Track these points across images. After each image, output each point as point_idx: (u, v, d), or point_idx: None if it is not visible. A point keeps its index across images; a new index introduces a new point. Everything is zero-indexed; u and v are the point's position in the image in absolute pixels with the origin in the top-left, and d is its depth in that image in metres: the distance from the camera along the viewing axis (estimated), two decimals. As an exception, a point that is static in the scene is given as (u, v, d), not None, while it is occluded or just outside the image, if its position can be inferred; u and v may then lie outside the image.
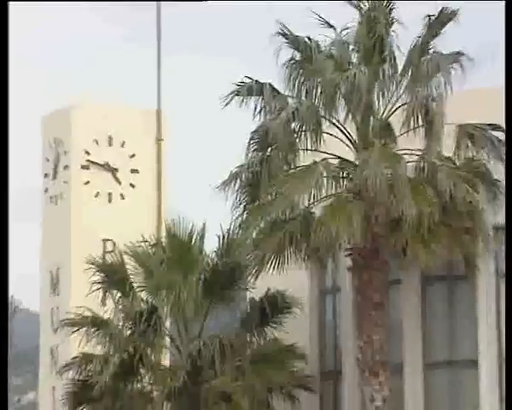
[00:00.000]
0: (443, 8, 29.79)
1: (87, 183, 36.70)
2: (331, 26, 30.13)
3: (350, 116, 29.82)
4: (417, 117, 29.10)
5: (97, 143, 36.86)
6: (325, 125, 29.96)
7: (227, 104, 30.24)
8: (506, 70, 21.17)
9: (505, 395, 26.58)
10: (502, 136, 29.33)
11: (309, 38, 30.30)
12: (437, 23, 29.92)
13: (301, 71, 30.19)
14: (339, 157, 29.68)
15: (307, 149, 29.88)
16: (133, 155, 37.16)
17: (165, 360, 32.41)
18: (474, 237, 29.09)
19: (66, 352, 33.63)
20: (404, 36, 30.24)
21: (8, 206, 26.45)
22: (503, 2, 30.15)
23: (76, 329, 32.26)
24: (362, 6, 30.22)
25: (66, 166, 36.88)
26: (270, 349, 31.37)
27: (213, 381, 30.67)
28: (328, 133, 29.93)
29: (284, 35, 30.19)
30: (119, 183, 36.97)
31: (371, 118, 29.79)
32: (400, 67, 30.21)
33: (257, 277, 30.59)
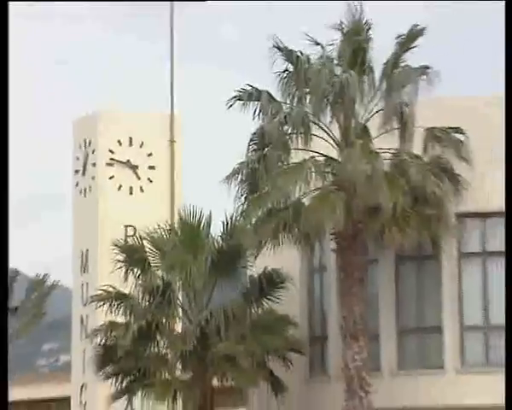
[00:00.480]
0: (412, 26, 29.83)
1: (111, 177, 36.97)
2: (318, 44, 30.09)
3: (334, 120, 29.94)
4: (391, 121, 29.24)
5: (120, 143, 37.07)
6: (313, 128, 29.87)
7: (230, 106, 30.32)
8: (506, 71, 20.05)
9: (505, 394, 26.09)
10: (462, 137, 29.55)
11: (301, 52, 30.17)
12: (407, 40, 29.96)
13: (293, 81, 30.13)
14: (324, 155, 29.75)
15: (298, 149, 29.83)
16: (150, 154, 37.40)
17: (178, 328, 32.59)
18: (440, 222, 29.23)
19: (94, 321, 34.00)
20: (380, 51, 30.22)
21: (8, 206, 25.08)
22: (503, 3, 29.18)
23: (102, 302, 32.48)
24: (344, 26, 30.11)
25: (93, 164, 37.10)
26: (267, 319, 31.50)
27: (219, 345, 30.83)
28: (315, 135, 29.88)
29: (279, 48, 30.15)
30: (139, 178, 37.20)
31: (352, 121, 29.80)
32: (377, 78, 30.16)
33: (256, 257, 30.94)
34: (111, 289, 32.27)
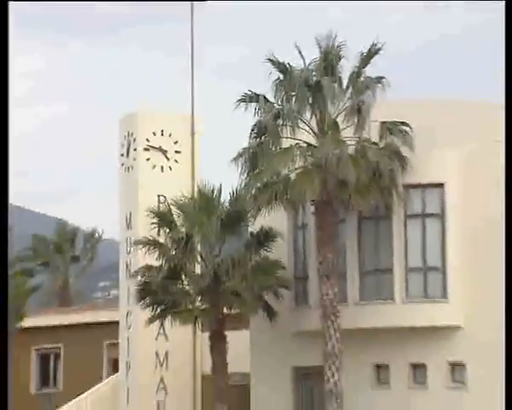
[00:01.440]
0: (372, 44, 29.93)
1: (148, 159, 36.98)
2: (302, 58, 30.19)
3: (313, 116, 30.10)
4: (354, 116, 29.38)
5: (154, 134, 37.07)
6: (298, 122, 29.97)
7: (236, 107, 30.41)
8: (506, 71, 16.60)
9: (505, 394, 24.42)
10: (407, 128, 29.69)
11: (289, 64, 30.13)
12: (367, 56, 30.05)
13: (283, 86, 30.17)
14: (306, 142, 29.89)
15: (287, 137, 29.93)
16: (176, 142, 37.41)
17: (197, 270, 32.63)
18: (391, 192, 29.56)
19: (135, 265, 34.26)
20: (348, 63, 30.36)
21: (7, 205, 20.94)
22: (503, 3, 26.04)
23: (142, 248, 32.81)
24: (321, 46, 30.16)
25: (134, 149, 37.11)
26: (263, 263, 31.63)
27: (227, 283, 31.07)
28: (299, 127, 29.99)
29: (272, 61, 30.20)
30: (168, 159, 37.17)
31: (326, 117, 29.90)
32: (345, 85, 30.28)
33: (255, 218, 31.10)
34: (148, 239, 32.42)
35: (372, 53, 30.04)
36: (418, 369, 30.18)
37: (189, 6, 38.52)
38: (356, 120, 29.30)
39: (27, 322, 40.86)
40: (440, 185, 30.11)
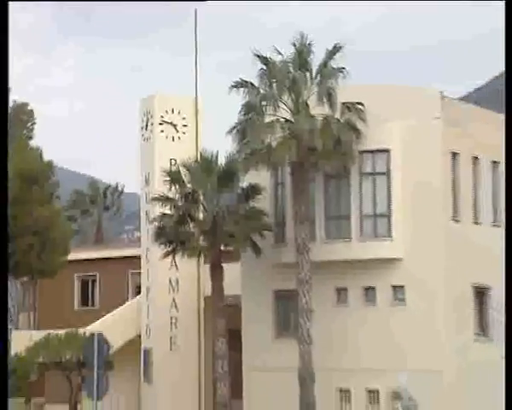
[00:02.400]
0: (335, 44, 29.63)
1: (162, 131, 36.43)
2: (280, 54, 29.85)
3: (290, 98, 29.66)
4: (322, 98, 29.14)
5: (167, 112, 36.54)
6: (278, 102, 29.55)
7: (230, 91, 30.06)
8: (506, 71, 13.92)
9: (505, 393, 20.62)
10: (362, 107, 29.45)
11: (271, 58, 29.75)
12: (332, 52, 29.67)
13: (266, 75, 29.78)
14: (284, 118, 29.57)
15: (270, 114, 29.63)
16: (184, 118, 36.80)
17: (200, 216, 32.16)
18: (349, 156, 29.38)
19: (153, 213, 33.75)
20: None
21: (7, 202, 16.47)
22: (503, 3, 22.04)
23: (157, 201, 32.47)
24: (296, 44, 29.75)
25: (151, 123, 36.60)
26: (251, 211, 31.39)
27: (223, 227, 30.88)
28: (279, 106, 29.61)
29: (258, 56, 29.83)
30: (177, 131, 36.60)
31: (300, 99, 29.57)
32: (314, 74, 29.89)
33: (244, 177, 30.99)
34: (162, 194, 32.24)
35: (335, 50, 29.67)
36: (369, 291, 30.24)
37: (193, 9, 38.14)
38: (323, 101, 29.06)
39: (71, 256, 40.71)
40: (387, 151, 29.92)
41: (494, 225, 31.46)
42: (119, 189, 68.52)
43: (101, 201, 66.13)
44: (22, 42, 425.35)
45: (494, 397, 27.92)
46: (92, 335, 32.36)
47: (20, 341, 36.12)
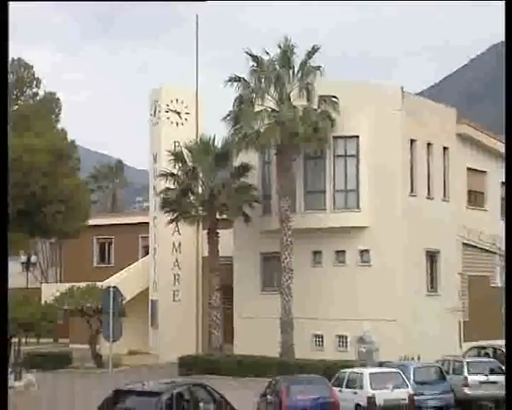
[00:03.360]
0: (313, 46, 29.35)
1: (168, 118, 35.85)
2: (268, 53, 29.46)
3: (275, 91, 29.36)
4: (303, 92, 28.89)
5: (172, 101, 35.98)
6: (265, 95, 29.27)
7: (226, 84, 29.71)
8: (506, 71, 12.21)
9: (505, 393, 17.09)
10: (336, 100, 29.15)
11: (260, 57, 29.44)
12: (310, 52, 29.37)
13: (256, 71, 29.43)
14: (271, 108, 29.29)
15: (259, 104, 29.32)
16: (186, 106, 36.26)
17: (199, 190, 31.79)
18: (325, 140, 29.19)
19: (159, 187, 33.32)
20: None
21: (7, 199, 13.43)
22: (503, 3, 18.88)
23: (163, 177, 31.90)
24: (281, 46, 29.36)
25: (159, 111, 36.06)
26: (242, 186, 31.07)
27: (219, 199, 30.64)
28: (266, 98, 29.34)
29: (249, 54, 29.45)
30: (181, 118, 36.03)
31: (284, 92, 29.27)
32: (296, 71, 29.53)
33: (237, 157, 30.59)
34: (167, 171, 31.82)
35: (314, 51, 29.37)
36: (340, 254, 30.18)
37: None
38: (303, 94, 28.88)
39: (91, 222, 40.46)
40: (356, 137, 29.75)
41: (444, 200, 31.44)
42: (131, 166, 68.22)
43: (115, 176, 65.85)
44: (53, 40, 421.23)
45: (438, 339, 28.22)
46: (108, 287, 32.58)
47: (49, 292, 35.93)
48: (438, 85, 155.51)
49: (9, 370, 27.54)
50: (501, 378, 23.05)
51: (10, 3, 12.82)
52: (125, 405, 16.50)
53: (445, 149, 31.53)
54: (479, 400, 23.28)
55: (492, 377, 23.07)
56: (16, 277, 47.01)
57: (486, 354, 26.36)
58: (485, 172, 34.37)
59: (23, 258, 45.66)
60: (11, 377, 26.63)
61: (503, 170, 36.27)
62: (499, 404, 23.12)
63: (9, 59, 24.89)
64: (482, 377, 23.04)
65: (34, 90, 23.98)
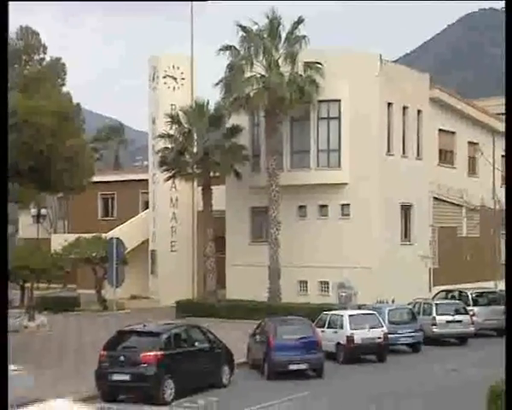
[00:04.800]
0: (299, 17, 28.85)
1: (165, 83, 35.24)
2: (256, 24, 28.91)
3: (264, 58, 28.86)
4: (289, 59, 28.38)
5: (169, 67, 35.45)
6: (255, 61, 28.76)
7: (219, 53, 29.19)
8: (506, 71, 11.69)
9: (505, 392, 17.11)
10: (320, 66, 28.66)
11: (249, 28, 28.86)
12: (296, 22, 28.89)
13: (246, 41, 28.92)
14: (260, 74, 28.87)
15: (248, 71, 28.84)
16: (182, 72, 35.61)
17: (194, 149, 31.24)
18: (310, 104, 28.69)
19: (158, 146, 32.53)
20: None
21: (7, 199, 11.85)
22: (503, 3, 20.53)
23: (161, 137, 31.47)
24: (269, 17, 28.85)
25: (157, 76, 35.53)
26: (234, 146, 30.58)
27: (212, 158, 30.19)
28: (256, 65, 28.80)
29: (240, 26, 28.95)
30: (177, 83, 35.48)
31: (271, 60, 28.66)
32: (283, 40, 29.04)
33: (228, 119, 30.30)
34: (165, 132, 31.38)
35: (299, 21, 28.89)
36: (323, 208, 30.16)
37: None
38: (289, 61, 28.50)
39: (95, 178, 40.08)
40: (338, 101, 29.47)
41: (417, 159, 31.36)
42: (132, 127, 67.48)
43: (118, 136, 65.26)
44: (59, 11, 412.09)
45: (410, 284, 28.45)
46: (112, 238, 32.57)
47: (58, 242, 35.91)
48: (413, 53, 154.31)
49: (23, 311, 27.84)
50: (465, 318, 23.82)
51: (10, 3, 12.10)
52: (127, 344, 16.67)
53: (419, 111, 31.37)
54: (445, 337, 23.88)
55: (458, 317, 23.87)
56: (28, 228, 47.03)
57: (453, 297, 26.77)
58: (454, 132, 34.27)
59: (34, 211, 45.51)
60: (25, 319, 26.86)
61: (472, 130, 36.82)
62: (463, 340, 23.85)
63: (18, 26, 24.46)
64: (449, 317, 23.76)
65: (41, 55, 23.58)
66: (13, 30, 23.55)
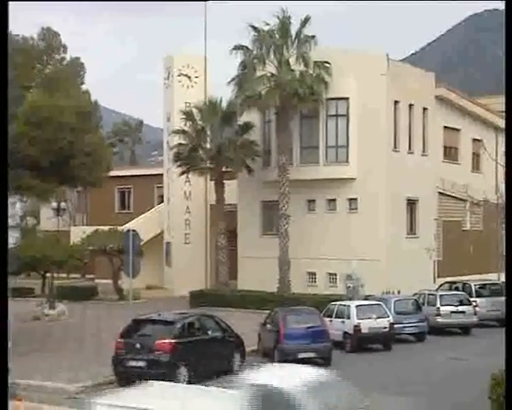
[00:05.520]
0: (306, 16, 28.76)
1: (179, 81, 35.42)
2: (268, 25, 28.75)
3: (275, 57, 28.89)
4: (299, 58, 28.48)
5: (183, 66, 35.54)
6: (266, 61, 28.77)
7: (231, 52, 29.19)
8: (506, 71, 11.41)
9: (505, 391, 16.17)
10: (329, 65, 28.61)
11: (262, 30, 28.80)
12: (304, 22, 28.78)
13: (257, 41, 28.89)
14: (271, 73, 28.83)
15: (260, 69, 28.82)
16: (196, 71, 35.79)
17: (208, 145, 31.37)
18: (319, 101, 28.68)
19: (173, 142, 32.85)
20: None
21: (7, 198, 11.51)
22: (503, 3, 19.77)
23: (175, 133, 31.74)
24: (279, 17, 28.74)
25: (172, 75, 35.62)
26: (246, 142, 30.63)
27: (225, 153, 30.21)
28: (267, 64, 28.79)
29: (252, 27, 28.90)
30: (191, 81, 35.60)
31: (282, 59, 28.81)
32: (293, 39, 28.93)
33: (240, 116, 30.30)
34: (179, 128, 31.44)
35: (306, 20, 28.82)
36: (331, 202, 30.13)
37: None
38: (299, 60, 28.48)
39: (112, 173, 40.21)
40: (346, 99, 29.38)
41: (423, 155, 31.24)
42: (148, 124, 67.65)
43: (134, 132, 65.45)
44: (76, 13, 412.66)
45: (415, 276, 28.41)
46: (128, 230, 32.32)
47: (77, 234, 36.10)
48: (419, 53, 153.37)
49: (44, 300, 28.05)
50: (468, 308, 23.73)
51: (10, 3, 11.78)
52: (143, 332, 16.75)
53: (424, 109, 31.21)
54: (449, 327, 23.85)
55: (461, 308, 23.80)
56: (48, 221, 47.31)
57: (456, 288, 26.66)
58: (458, 129, 34.09)
59: (54, 204, 45.73)
60: (46, 307, 27.08)
61: (475, 128, 36.59)
62: (466, 330, 23.76)
63: (39, 28, 24.60)
64: (452, 308, 23.71)
65: (62, 55, 23.69)
66: (34, 31, 23.75)
